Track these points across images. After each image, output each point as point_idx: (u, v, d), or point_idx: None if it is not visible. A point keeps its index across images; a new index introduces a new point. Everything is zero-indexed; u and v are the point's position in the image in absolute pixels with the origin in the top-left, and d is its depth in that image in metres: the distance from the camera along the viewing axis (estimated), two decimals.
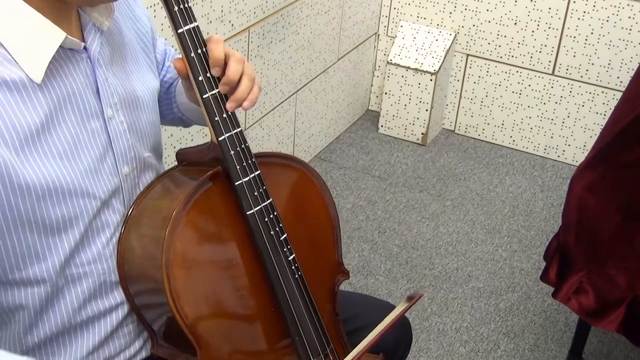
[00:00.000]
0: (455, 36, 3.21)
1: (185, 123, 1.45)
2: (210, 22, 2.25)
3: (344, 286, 1.40)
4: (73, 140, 1.08)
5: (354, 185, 3.01)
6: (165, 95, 1.41)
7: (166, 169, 1.26)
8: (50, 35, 1.04)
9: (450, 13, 3.19)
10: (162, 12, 1.28)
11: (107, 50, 1.16)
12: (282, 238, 1.20)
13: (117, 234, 1.16)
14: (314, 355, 1.24)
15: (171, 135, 2.18)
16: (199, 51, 1.14)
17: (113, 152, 1.14)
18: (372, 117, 3.47)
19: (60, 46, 1.05)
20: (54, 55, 1.04)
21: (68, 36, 1.05)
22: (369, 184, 3.02)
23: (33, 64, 1.02)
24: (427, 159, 3.20)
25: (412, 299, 1.27)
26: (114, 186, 1.14)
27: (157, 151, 1.29)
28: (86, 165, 1.09)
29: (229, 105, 1.16)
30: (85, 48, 1.10)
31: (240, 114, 2.54)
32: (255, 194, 1.17)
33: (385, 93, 3.27)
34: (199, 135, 2.29)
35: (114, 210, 1.15)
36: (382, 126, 3.34)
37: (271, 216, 1.19)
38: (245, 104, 1.17)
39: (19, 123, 1.01)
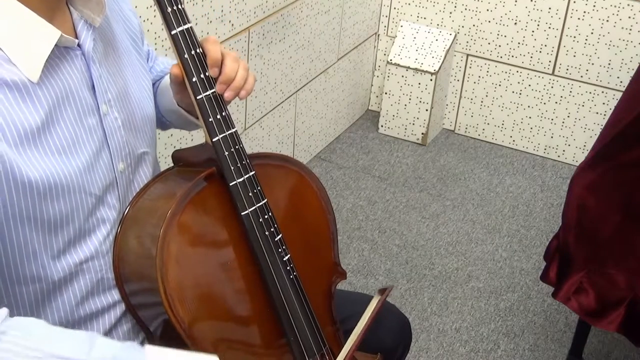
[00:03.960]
0: (455, 36, 3.21)
1: (164, 126, 1.45)
2: (210, 22, 2.25)
3: (344, 286, 1.40)
4: (71, 137, 1.08)
5: (354, 185, 3.01)
6: None
7: (163, 169, 1.26)
8: (45, 35, 1.04)
9: (450, 13, 3.19)
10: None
11: (100, 46, 1.16)
12: (277, 239, 1.20)
13: (114, 231, 1.17)
14: (310, 355, 1.24)
15: (171, 135, 2.18)
16: (193, 52, 1.14)
17: (109, 148, 1.15)
18: (372, 117, 3.47)
19: (55, 44, 1.05)
20: (49, 54, 1.04)
21: (63, 34, 1.05)
22: (369, 184, 3.02)
23: (30, 64, 1.03)
24: (427, 159, 3.20)
25: (384, 292, 1.29)
26: (108, 182, 1.15)
27: (153, 147, 1.29)
28: (83, 162, 1.09)
29: (227, 94, 1.17)
30: (79, 45, 1.11)
31: (240, 114, 2.54)
32: (250, 194, 1.17)
33: (385, 93, 3.27)
34: (199, 135, 2.29)
35: (109, 206, 1.15)
36: (382, 126, 3.34)
37: (266, 217, 1.19)
38: (242, 92, 1.18)
39: (19, 122, 1.01)
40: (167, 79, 1.34)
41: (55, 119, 1.06)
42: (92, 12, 1.13)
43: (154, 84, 1.40)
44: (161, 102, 1.37)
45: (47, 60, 1.04)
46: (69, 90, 1.08)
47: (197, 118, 1.18)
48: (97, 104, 1.13)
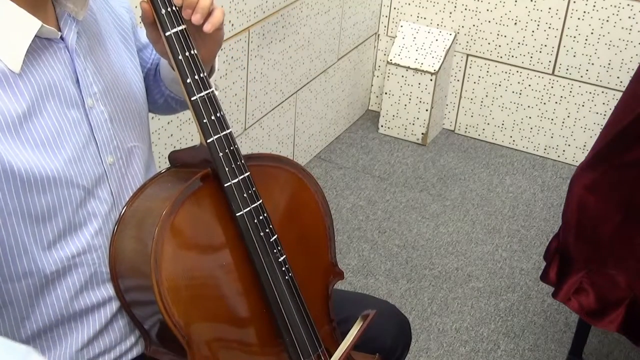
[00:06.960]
0: (455, 36, 3.21)
1: (177, 103, 1.43)
2: None
3: (344, 286, 1.40)
4: (55, 129, 1.08)
5: (354, 185, 3.01)
6: (153, 79, 1.40)
7: (162, 170, 1.26)
8: (26, 25, 1.04)
9: (450, 13, 3.19)
10: None
11: (85, 40, 1.16)
12: (272, 239, 1.20)
13: (107, 225, 1.17)
14: (305, 356, 1.24)
15: (171, 135, 2.18)
16: (187, 54, 1.14)
17: (95, 142, 1.15)
18: (372, 117, 3.47)
19: (37, 36, 1.05)
20: (31, 45, 1.05)
21: (44, 25, 1.06)
22: (369, 184, 3.02)
23: (10, 54, 1.03)
24: (427, 159, 3.20)
25: (366, 318, 1.28)
26: (97, 175, 1.15)
27: (145, 141, 1.29)
28: (69, 154, 1.10)
29: (194, 17, 1.13)
30: (62, 38, 1.11)
31: (240, 114, 2.54)
32: (245, 195, 1.17)
33: (385, 93, 3.27)
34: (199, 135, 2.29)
35: (100, 200, 1.15)
36: (382, 126, 3.34)
37: (261, 217, 1.18)
38: (207, 26, 1.14)
39: (1, 112, 1.01)
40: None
41: (38, 110, 1.06)
42: (75, 6, 1.13)
43: (158, 64, 1.40)
44: (163, 75, 1.37)
45: (29, 52, 1.05)
46: (52, 82, 1.09)
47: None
48: (82, 97, 1.13)
